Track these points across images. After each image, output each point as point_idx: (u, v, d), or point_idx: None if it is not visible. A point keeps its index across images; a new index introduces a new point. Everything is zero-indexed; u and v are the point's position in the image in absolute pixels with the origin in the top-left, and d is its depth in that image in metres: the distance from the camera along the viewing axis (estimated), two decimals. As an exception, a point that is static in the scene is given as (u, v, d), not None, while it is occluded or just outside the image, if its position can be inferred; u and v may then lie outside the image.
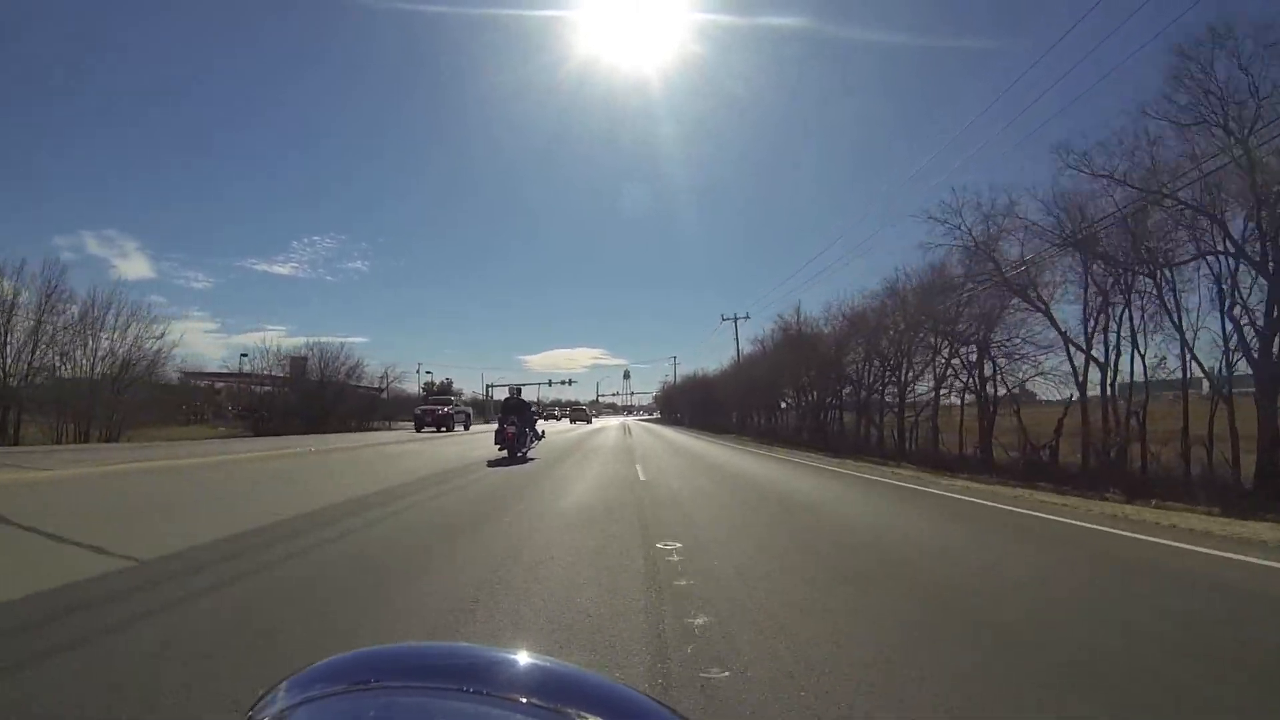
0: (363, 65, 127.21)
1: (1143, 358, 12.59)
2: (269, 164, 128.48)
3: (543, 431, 16.84)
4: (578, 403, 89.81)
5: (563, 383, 79.22)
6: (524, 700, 0.48)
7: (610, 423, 58.94)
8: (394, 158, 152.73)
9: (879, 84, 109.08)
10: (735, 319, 46.04)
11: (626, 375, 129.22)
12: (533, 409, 15.77)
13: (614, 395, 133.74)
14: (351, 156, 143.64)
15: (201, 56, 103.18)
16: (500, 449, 13.22)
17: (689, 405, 64.26)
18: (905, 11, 75.61)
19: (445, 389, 53.52)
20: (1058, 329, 14.07)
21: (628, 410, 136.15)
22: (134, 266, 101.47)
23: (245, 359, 32.78)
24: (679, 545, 4.85)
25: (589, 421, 58.11)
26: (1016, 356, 15.40)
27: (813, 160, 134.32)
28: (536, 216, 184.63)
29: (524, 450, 13.47)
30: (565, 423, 55.51)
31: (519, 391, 14.97)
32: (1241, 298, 10.62)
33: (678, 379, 77.14)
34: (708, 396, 51.61)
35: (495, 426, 14.06)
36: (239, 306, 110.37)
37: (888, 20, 67.72)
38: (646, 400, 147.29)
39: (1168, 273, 11.69)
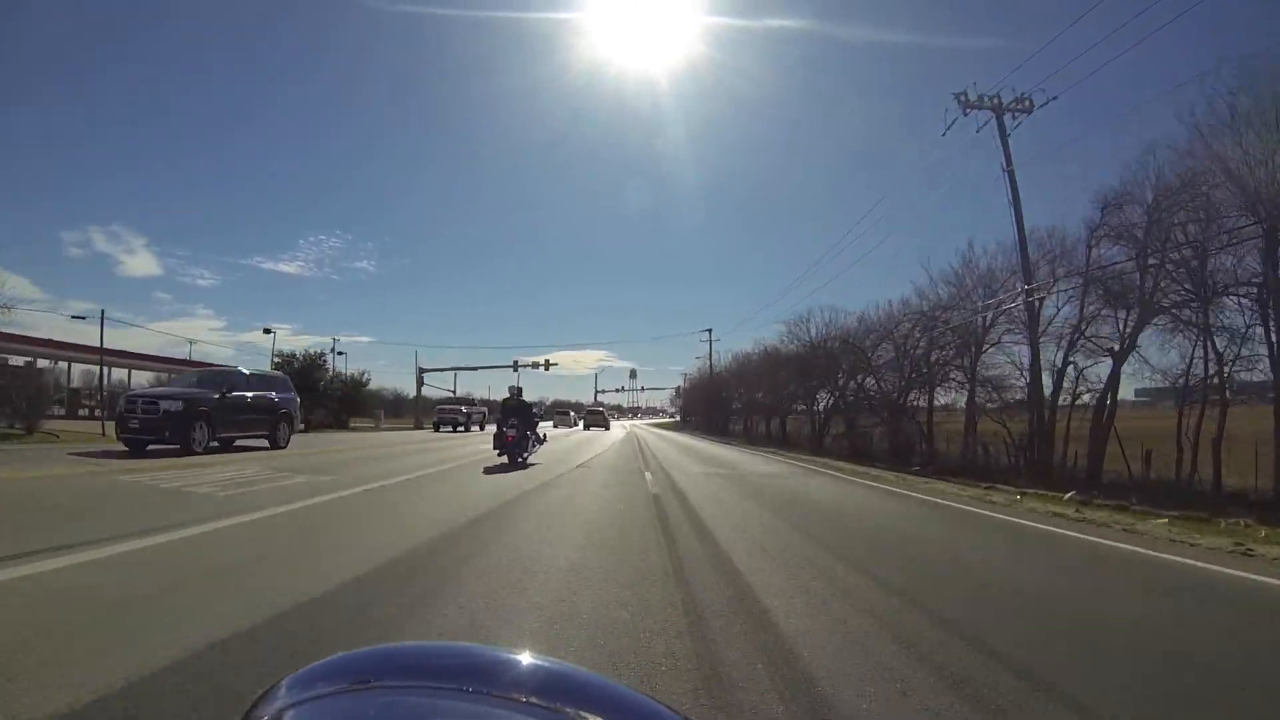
0: (369, 65, 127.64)
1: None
2: (276, 162, 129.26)
3: (545, 435, 15.47)
4: (566, 405, 77.89)
5: (533, 365, 50.04)
6: (524, 700, 0.48)
7: (610, 432, 38.63)
8: (400, 158, 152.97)
9: (887, 85, 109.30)
10: (998, 110, 15.91)
11: (633, 374, 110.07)
12: (535, 410, 14.53)
13: (617, 390, 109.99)
14: (358, 156, 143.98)
15: (208, 53, 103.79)
16: (500, 454, 12.33)
17: (745, 402, 41.99)
18: (911, 13, 75.61)
19: (313, 363, 31.39)
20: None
21: (634, 413, 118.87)
22: (141, 263, 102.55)
23: None
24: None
25: (607, 427, 45.94)
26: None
27: (822, 160, 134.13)
28: (542, 218, 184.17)
29: (525, 455, 12.60)
30: (561, 428, 43.49)
31: (520, 391, 13.80)
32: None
33: (715, 362, 53.45)
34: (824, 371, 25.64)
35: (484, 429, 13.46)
36: (245, 304, 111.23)
37: (895, 21, 67.67)
38: (657, 401, 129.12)
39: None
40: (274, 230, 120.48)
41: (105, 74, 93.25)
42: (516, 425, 12.36)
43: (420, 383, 47.93)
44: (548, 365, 52.11)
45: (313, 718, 0.48)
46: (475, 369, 70.74)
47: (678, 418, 79.65)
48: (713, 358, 54.51)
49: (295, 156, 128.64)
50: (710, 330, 56.08)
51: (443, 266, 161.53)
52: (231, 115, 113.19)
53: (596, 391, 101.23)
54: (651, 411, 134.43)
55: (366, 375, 38.30)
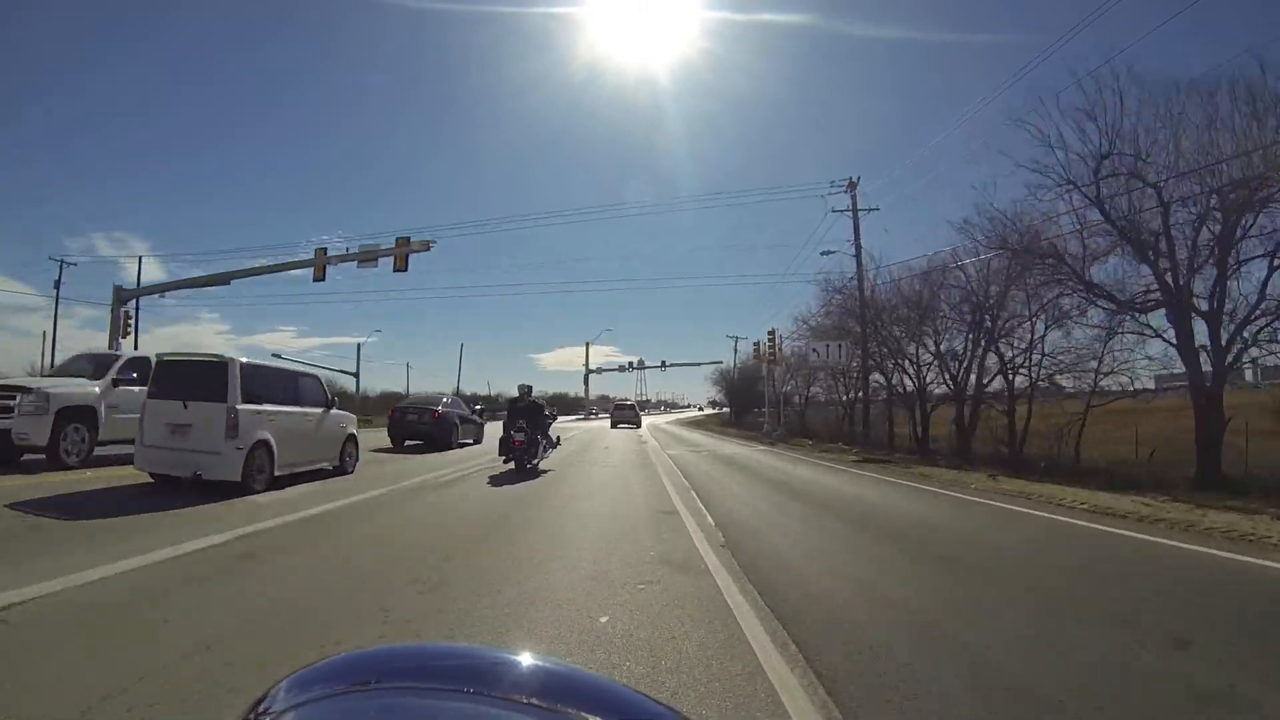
0: (371, 64, 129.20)
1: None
2: (278, 164, 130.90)
3: (558, 438, 14.10)
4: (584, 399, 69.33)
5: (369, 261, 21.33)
6: (525, 701, 0.48)
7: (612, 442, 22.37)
8: (402, 157, 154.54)
9: (888, 79, 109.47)
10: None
11: (640, 365, 77.20)
12: (547, 412, 12.99)
13: (619, 371, 78.67)
14: (360, 156, 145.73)
15: (210, 55, 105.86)
16: (506, 460, 11.45)
17: None
18: (913, 6, 75.45)
19: None
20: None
21: (643, 407, 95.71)
22: (144, 268, 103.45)
23: None
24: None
25: (638, 424, 39.02)
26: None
27: (822, 156, 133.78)
28: (545, 215, 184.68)
29: (534, 461, 11.72)
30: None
31: (530, 390, 12.56)
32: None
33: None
34: None
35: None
36: (249, 308, 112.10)
37: (895, 16, 67.71)
38: (669, 393, 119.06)
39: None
40: (277, 233, 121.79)
41: (103, 77, 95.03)
42: (525, 429, 11.48)
43: (121, 323, 22.23)
44: (406, 256, 21.56)
45: (313, 719, 0.48)
46: (257, 273, 25.76)
47: (727, 411, 51.68)
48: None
49: (297, 158, 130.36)
50: (855, 182, 23.84)
51: (448, 265, 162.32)
52: (233, 118, 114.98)
53: (587, 372, 71.85)
54: (664, 405, 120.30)
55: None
